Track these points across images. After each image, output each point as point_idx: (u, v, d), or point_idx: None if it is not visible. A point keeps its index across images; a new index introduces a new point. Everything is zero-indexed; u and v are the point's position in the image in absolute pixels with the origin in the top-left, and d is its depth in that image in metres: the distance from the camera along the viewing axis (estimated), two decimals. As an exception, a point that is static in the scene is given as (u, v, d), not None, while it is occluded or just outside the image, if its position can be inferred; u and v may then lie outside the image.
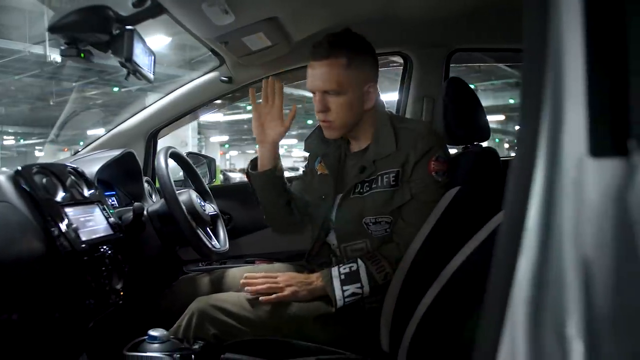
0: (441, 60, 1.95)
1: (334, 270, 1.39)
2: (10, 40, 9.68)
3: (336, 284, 1.38)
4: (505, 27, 1.85)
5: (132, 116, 2.09)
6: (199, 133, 19.52)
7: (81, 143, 20.13)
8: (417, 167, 1.40)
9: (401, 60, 2.10)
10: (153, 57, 1.41)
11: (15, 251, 1.08)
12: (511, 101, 15.06)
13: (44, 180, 1.24)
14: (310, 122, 20.79)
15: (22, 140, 25.00)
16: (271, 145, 1.54)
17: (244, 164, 31.10)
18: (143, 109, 2.06)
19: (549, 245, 0.37)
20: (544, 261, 0.37)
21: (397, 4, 1.64)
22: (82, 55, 1.24)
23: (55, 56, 9.58)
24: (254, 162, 1.60)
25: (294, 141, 29.28)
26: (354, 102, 1.41)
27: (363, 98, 1.43)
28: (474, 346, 0.96)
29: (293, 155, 33.35)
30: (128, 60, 1.21)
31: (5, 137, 22.69)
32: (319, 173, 1.59)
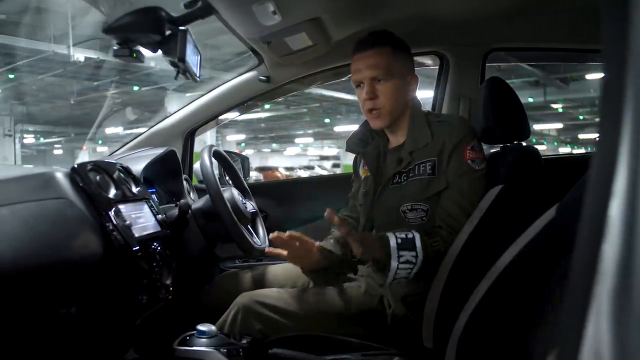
0: (478, 60, 1.95)
1: (391, 236, 1.36)
2: (36, 40, 9.80)
3: (393, 246, 1.34)
4: (543, 27, 1.85)
5: (166, 117, 2.12)
6: (216, 131, 19.63)
7: (100, 142, 20.35)
8: (453, 156, 1.43)
9: (429, 61, 2.11)
10: (199, 57, 1.44)
11: (74, 246, 1.11)
12: (530, 100, 14.93)
13: (98, 177, 1.27)
14: (327, 120, 20.82)
15: (42, 139, 25.32)
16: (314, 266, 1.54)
17: (259, 162, 31.21)
18: (181, 108, 2.09)
19: (634, 235, 0.36)
20: (629, 251, 0.36)
21: (435, 4, 1.64)
22: (135, 55, 1.27)
23: (78, 56, 9.68)
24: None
25: (310, 140, 29.35)
26: (401, 88, 1.49)
27: (406, 87, 1.51)
28: (533, 340, 0.96)
29: (309, 154, 33.40)
30: (181, 61, 1.23)
31: (25, 135, 22.98)
32: (363, 177, 1.63)
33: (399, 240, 1.35)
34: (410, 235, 1.36)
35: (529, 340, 1.00)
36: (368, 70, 1.47)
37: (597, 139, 0.44)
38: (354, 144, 1.66)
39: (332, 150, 30.24)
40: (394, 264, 1.33)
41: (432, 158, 1.45)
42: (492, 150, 1.63)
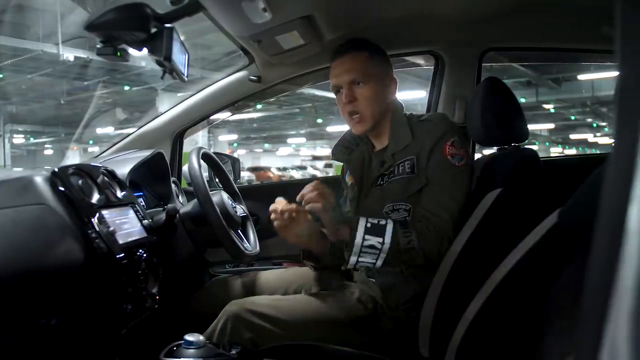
0: (473, 60, 1.91)
1: (363, 219, 1.36)
2: (24, 39, 9.69)
3: (360, 230, 1.34)
4: (538, 27, 1.81)
5: (156, 117, 2.06)
6: (208, 132, 19.56)
7: (90, 142, 20.22)
8: (432, 153, 1.42)
9: (421, 61, 2.08)
10: (187, 56, 1.39)
11: (55, 254, 1.06)
12: (522, 100, 14.98)
13: (80, 181, 1.22)
14: (319, 120, 20.82)
15: (32, 139, 25.14)
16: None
17: (251, 162, 31.16)
18: (170, 109, 2.04)
19: None
20: None
21: (430, 3, 1.60)
22: (119, 53, 1.21)
23: (68, 55, 9.59)
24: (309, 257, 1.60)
25: (303, 140, 29.34)
26: (379, 91, 1.49)
27: (386, 90, 1.52)
28: (536, 351, 0.92)
29: (301, 154, 33.44)
30: (167, 59, 1.17)
31: (15, 135, 22.79)
32: (349, 183, 1.61)
33: (369, 225, 1.36)
34: (382, 222, 1.36)
35: (532, 351, 0.96)
36: (346, 74, 1.48)
37: (614, 139, 0.41)
38: (339, 151, 1.67)
39: (324, 151, 30.28)
40: (356, 247, 1.34)
41: (411, 157, 1.45)
42: (488, 152, 1.60)
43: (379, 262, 1.35)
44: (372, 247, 1.34)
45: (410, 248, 1.34)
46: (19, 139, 24.58)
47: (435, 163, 1.41)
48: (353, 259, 1.35)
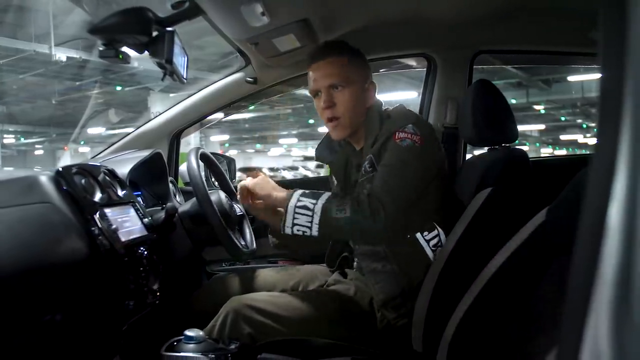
0: (465, 62, 1.95)
1: (301, 190, 1.39)
2: (17, 39, 9.64)
3: (296, 194, 1.36)
4: (529, 30, 1.85)
5: (151, 118, 2.09)
6: (200, 132, 19.49)
7: (82, 142, 20.05)
8: (385, 145, 1.42)
9: (414, 63, 2.12)
10: (186, 58, 1.42)
11: (60, 251, 1.08)
12: (513, 101, 15.05)
13: (83, 180, 1.25)
14: (311, 121, 20.80)
15: (22, 139, 24.94)
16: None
17: (243, 163, 31.04)
18: (167, 110, 2.07)
19: (633, 242, 0.35)
20: (629, 259, 0.35)
21: (423, 6, 1.64)
22: (120, 56, 1.24)
23: (60, 55, 9.54)
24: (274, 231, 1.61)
25: (294, 140, 29.30)
26: (358, 96, 1.49)
27: (364, 95, 1.51)
28: (525, 345, 0.96)
29: (292, 155, 33.35)
30: (168, 62, 1.21)
31: (5, 135, 22.60)
32: (335, 183, 1.64)
33: (307, 191, 1.38)
34: (321, 192, 1.38)
35: (522, 344, 1.00)
36: (325, 78, 1.47)
37: (596, 140, 0.44)
38: (322, 153, 1.67)
39: (316, 151, 30.17)
40: (290, 205, 1.34)
41: (370, 155, 1.45)
42: (479, 152, 1.64)
43: (314, 229, 1.32)
44: (304, 207, 1.33)
45: (342, 217, 1.31)
46: (9, 139, 24.37)
47: (386, 151, 1.41)
48: (289, 220, 1.34)
